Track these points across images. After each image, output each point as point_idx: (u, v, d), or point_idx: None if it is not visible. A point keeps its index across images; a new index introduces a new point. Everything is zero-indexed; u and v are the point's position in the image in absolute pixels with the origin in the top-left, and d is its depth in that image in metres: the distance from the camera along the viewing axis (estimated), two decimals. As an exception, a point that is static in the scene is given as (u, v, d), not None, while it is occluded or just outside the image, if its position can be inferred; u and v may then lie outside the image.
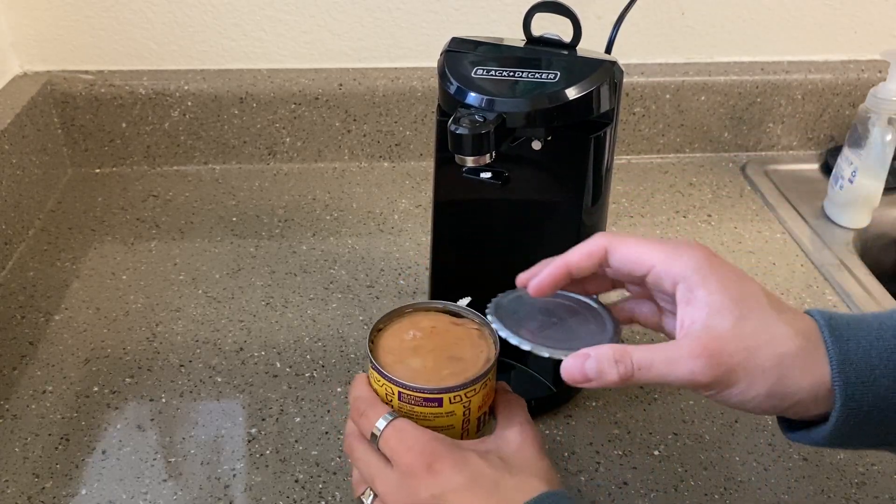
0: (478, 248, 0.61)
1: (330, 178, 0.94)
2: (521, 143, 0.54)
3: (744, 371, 0.39)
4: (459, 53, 0.55)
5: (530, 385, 0.62)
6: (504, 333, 0.46)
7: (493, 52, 0.56)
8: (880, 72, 0.99)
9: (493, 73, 0.53)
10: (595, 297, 0.50)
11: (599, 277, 0.48)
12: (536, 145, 0.54)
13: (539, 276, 0.46)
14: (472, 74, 0.53)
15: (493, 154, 0.50)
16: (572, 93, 0.51)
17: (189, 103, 0.91)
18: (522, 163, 0.56)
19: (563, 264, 0.45)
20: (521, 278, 0.48)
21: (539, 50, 0.55)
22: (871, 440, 0.40)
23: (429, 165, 0.97)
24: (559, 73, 0.52)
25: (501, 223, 0.60)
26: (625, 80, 0.94)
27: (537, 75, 0.52)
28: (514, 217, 0.59)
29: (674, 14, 0.96)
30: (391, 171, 0.96)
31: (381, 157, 0.97)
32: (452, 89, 0.52)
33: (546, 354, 0.44)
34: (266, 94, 0.92)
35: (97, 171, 0.94)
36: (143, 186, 0.91)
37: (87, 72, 0.91)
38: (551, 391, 0.61)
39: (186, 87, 0.91)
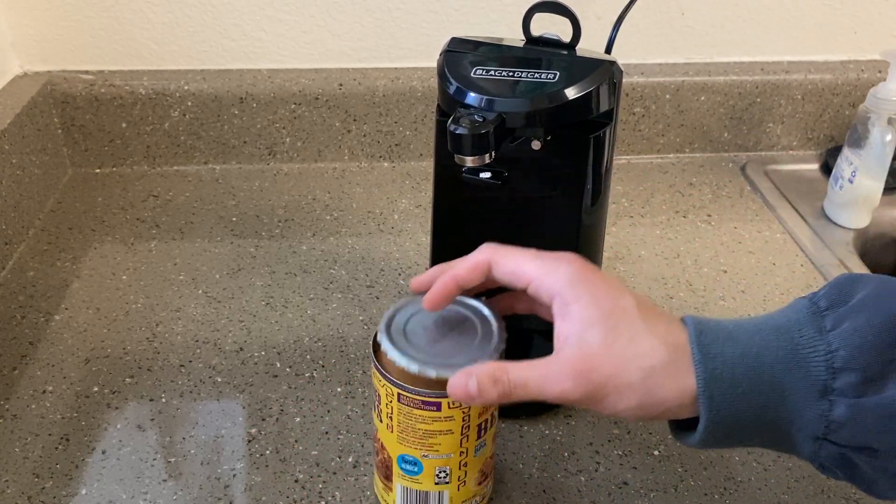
0: (477, 247, 0.61)
1: (330, 178, 0.94)
2: (521, 143, 0.54)
3: (613, 386, 0.40)
4: (459, 53, 0.55)
5: None
6: (392, 354, 0.46)
7: (493, 52, 0.56)
8: (880, 72, 0.99)
9: (492, 73, 0.53)
10: (484, 299, 0.50)
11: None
12: (536, 145, 0.54)
13: (431, 292, 0.47)
14: (472, 74, 0.53)
15: (493, 154, 0.50)
16: (572, 92, 0.51)
17: (189, 103, 0.91)
18: (522, 163, 0.56)
19: (450, 278, 0.46)
20: (414, 284, 0.49)
21: (539, 50, 0.55)
22: (739, 444, 0.42)
23: (429, 165, 0.97)
24: (559, 73, 0.52)
25: (501, 223, 0.60)
26: (625, 80, 0.94)
27: (537, 75, 0.52)
28: (514, 217, 0.59)
29: (674, 14, 0.96)
30: (391, 171, 0.96)
31: (381, 157, 0.97)
32: (452, 89, 0.52)
33: (433, 375, 0.45)
34: (266, 94, 0.92)
35: (97, 171, 0.94)
36: (143, 186, 0.91)
37: (87, 72, 0.91)
38: None
39: (186, 87, 0.91)
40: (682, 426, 0.43)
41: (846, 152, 0.86)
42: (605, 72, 0.52)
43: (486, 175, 0.55)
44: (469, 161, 0.50)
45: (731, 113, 0.99)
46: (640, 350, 0.41)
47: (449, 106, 0.53)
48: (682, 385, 0.40)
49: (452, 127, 0.49)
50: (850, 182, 0.85)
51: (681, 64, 0.98)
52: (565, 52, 0.55)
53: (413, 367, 0.45)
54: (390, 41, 0.94)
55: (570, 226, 0.57)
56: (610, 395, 0.41)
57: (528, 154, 0.54)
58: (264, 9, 0.90)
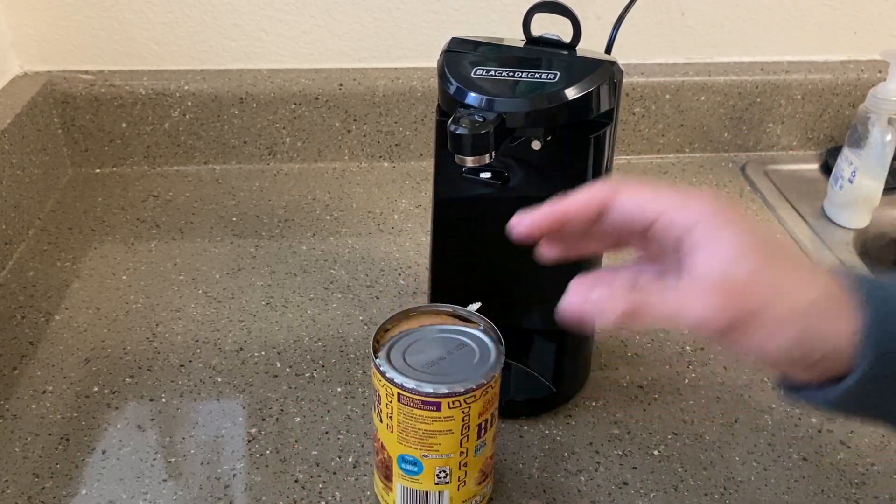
0: (477, 247, 0.61)
1: (330, 178, 0.94)
2: (521, 143, 0.54)
3: (770, 317, 0.35)
4: (459, 53, 0.55)
5: (530, 384, 0.62)
6: (391, 374, 0.46)
7: (493, 52, 0.56)
8: (880, 72, 0.99)
9: (492, 73, 0.52)
10: (483, 327, 0.51)
11: (598, 236, 0.43)
12: (536, 145, 0.54)
13: (531, 216, 0.41)
14: (472, 74, 0.53)
15: (493, 154, 0.50)
16: (572, 93, 0.51)
17: (189, 103, 0.91)
18: (522, 163, 0.56)
19: (559, 209, 0.41)
20: (514, 221, 0.43)
21: (539, 50, 0.55)
22: (882, 409, 0.37)
23: (429, 165, 0.97)
24: (559, 73, 0.51)
25: (501, 224, 0.60)
26: (625, 80, 0.94)
27: (537, 75, 0.51)
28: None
29: (674, 14, 0.96)
30: (391, 171, 0.96)
31: (381, 157, 0.97)
32: (452, 89, 0.52)
33: (430, 390, 0.45)
34: (266, 94, 0.92)
35: (97, 171, 0.94)
36: (144, 186, 0.91)
37: (87, 72, 0.91)
38: (551, 391, 0.61)
39: (186, 87, 0.91)
40: (802, 386, 0.38)
41: (846, 152, 0.86)
42: (605, 72, 0.52)
43: (486, 175, 0.55)
44: (469, 161, 0.50)
45: (731, 113, 0.99)
46: (805, 280, 0.36)
47: (449, 106, 0.53)
48: (844, 324, 0.35)
49: (453, 127, 0.49)
50: (850, 182, 0.85)
51: (681, 64, 0.98)
52: (565, 53, 0.55)
53: (409, 385, 0.46)
54: (390, 41, 0.94)
55: None
56: (763, 326, 0.35)
57: (528, 154, 0.54)
58: (264, 9, 0.90)
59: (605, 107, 0.53)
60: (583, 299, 0.37)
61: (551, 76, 0.51)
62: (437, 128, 0.56)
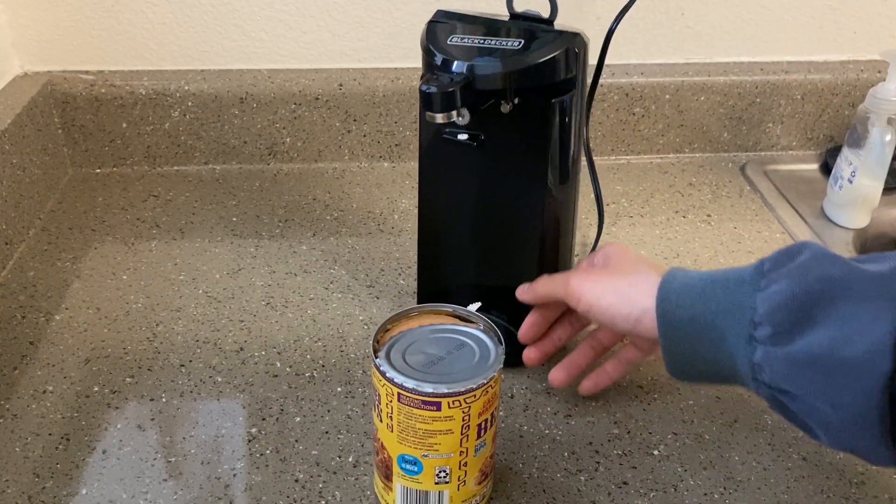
0: (459, 204, 0.66)
1: (330, 178, 0.94)
2: (491, 105, 0.58)
3: (600, 288, 0.54)
4: (441, 24, 0.60)
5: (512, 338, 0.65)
6: (391, 374, 0.46)
7: (472, 23, 0.60)
8: (880, 72, 0.99)
9: (465, 40, 0.57)
10: (483, 327, 0.51)
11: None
12: (505, 108, 0.58)
13: (535, 346, 0.62)
14: (448, 42, 0.57)
15: (464, 114, 0.55)
16: (533, 57, 0.55)
17: (189, 103, 0.91)
18: (495, 126, 0.60)
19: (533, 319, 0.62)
20: (526, 358, 0.62)
21: (515, 23, 0.59)
22: (704, 379, 0.51)
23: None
24: (523, 41, 0.56)
25: (478, 186, 0.65)
26: (625, 80, 0.94)
27: (504, 42, 0.56)
28: (490, 181, 0.64)
29: (674, 14, 0.96)
30: (391, 171, 0.96)
31: (381, 157, 0.97)
32: (428, 55, 0.57)
33: (430, 390, 0.46)
34: (266, 94, 0.92)
35: (97, 171, 0.94)
36: (144, 186, 0.91)
37: (87, 72, 0.91)
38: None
39: (187, 88, 0.91)
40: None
41: (846, 152, 0.86)
42: (566, 40, 0.56)
43: (463, 136, 0.60)
44: (439, 118, 0.54)
45: (730, 113, 0.99)
46: (628, 276, 0.54)
47: (426, 70, 0.57)
48: (649, 298, 0.50)
49: (424, 87, 0.53)
50: (850, 182, 0.85)
51: (681, 64, 0.98)
52: (542, 26, 0.59)
53: (409, 384, 0.46)
54: (390, 41, 0.94)
55: (536, 195, 0.61)
56: (593, 296, 0.54)
57: (499, 118, 0.58)
58: (264, 9, 0.90)
59: (566, 73, 0.57)
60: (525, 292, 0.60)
61: (516, 43, 0.56)
62: (420, 94, 0.60)
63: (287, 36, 0.92)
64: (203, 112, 0.92)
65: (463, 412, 0.47)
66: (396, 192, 0.91)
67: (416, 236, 0.78)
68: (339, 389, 0.64)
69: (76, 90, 0.90)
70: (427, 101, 0.54)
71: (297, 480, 0.56)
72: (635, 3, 0.68)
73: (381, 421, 0.49)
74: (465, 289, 0.68)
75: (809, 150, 1.03)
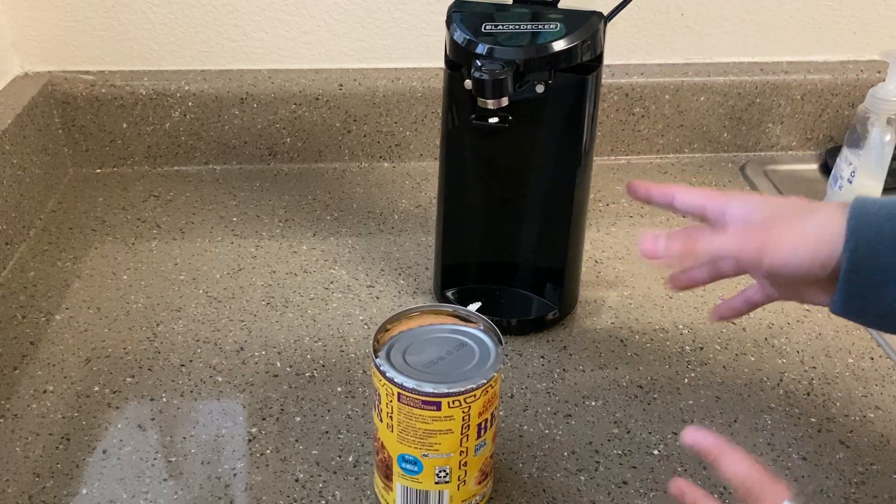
0: (484, 191, 0.69)
1: (330, 178, 0.94)
2: (526, 87, 0.60)
3: (784, 237, 0.47)
4: (465, 12, 0.62)
5: (535, 307, 0.71)
6: (391, 374, 0.47)
7: (494, 10, 0.63)
8: (879, 72, 0.99)
9: (500, 27, 0.60)
10: (483, 327, 0.51)
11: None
12: (540, 88, 0.60)
13: (651, 187, 0.55)
14: (483, 30, 0.60)
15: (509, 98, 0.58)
16: (575, 38, 0.59)
17: (190, 104, 0.91)
18: (525, 107, 0.61)
19: (670, 191, 0.54)
20: (633, 184, 0.57)
21: (533, 7, 0.62)
22: (876, 305, 0.46)
23: (429, 166, 0.97)
24: (559, 24, 0.59)
25: (506, 170, 0.68)
26: (625, 80, 0.94)
27: (541, 27, 0.60)
28: (517, 162, 0.67)
29: (673, 14, 0.96)
30: (391, 171, 0.96)
31: (381, 157, 0.97)
32: (464, 41, 0.59)
33: (430, 389, 0.46)
34: (266, 94, 0.92)
35: (98, 171, 0.94)
36: (144, 187, 0.91)
37: (87, 72, 0.91)
38: (553, 308, 0.70)
39: (187, 88, 0.91)
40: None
41: (845, 152, 0.86)
42: (598, 19, 0.61)
43: (493, 120, 0.61)
44: (490, 104, 0.58)
45: (730, 113, 0.99)
46: (807, 217, 0.47)
47: (458, 56, 0.60)
48: (837, 235, 0.45)
49: (477, 74, 0.56)
50: (850, 182, 0.85)
51: (680, 64, 0.98)
52: (553, 9, 0.62)
53: (409, 384, 0.46)
54: (390, 41, 0.94)
55: (569, 168, 0.65)
56: (780, 248, 0.46)
57: (531, 98, 0.61)
58: (265, 9, 0.90)
59: (598, 50, 0.61)
60: (653, 244, 0.49)
61: (553, 26, 0.59)
62: (447, 80, 0.63)
63: (287, 36, 0.93)
64: (203, 112, 0.92)
65: (463, 412, 0.47)
66: (396, 192, 0.92)
67: (416, 236, 0.78)
68: (339, 389, 0.64)
69: (76, 90, 0.90)
70: (480, 88, 0.57)
71: (297, 480, 0.56)
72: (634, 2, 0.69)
73: (381, 421, 0.49)
74: (489, 268, 0.72)
75: (809, 151, 1.03)
